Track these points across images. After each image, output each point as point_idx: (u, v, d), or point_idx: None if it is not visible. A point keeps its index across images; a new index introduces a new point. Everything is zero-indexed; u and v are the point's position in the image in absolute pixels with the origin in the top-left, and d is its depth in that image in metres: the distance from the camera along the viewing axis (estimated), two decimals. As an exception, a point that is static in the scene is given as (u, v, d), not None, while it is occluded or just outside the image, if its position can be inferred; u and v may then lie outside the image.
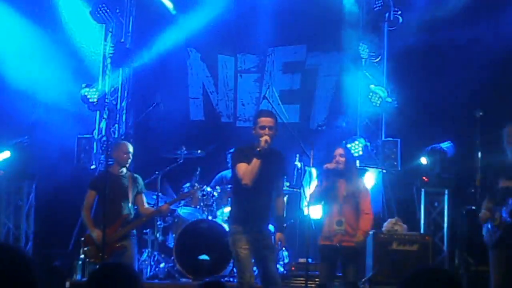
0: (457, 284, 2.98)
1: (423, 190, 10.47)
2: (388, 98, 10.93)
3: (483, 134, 7.93)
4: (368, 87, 11.17)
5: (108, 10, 11.41)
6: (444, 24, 10.77)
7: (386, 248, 9.42)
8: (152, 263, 10.04)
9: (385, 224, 9.89)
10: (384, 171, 10.96)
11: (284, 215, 7.72)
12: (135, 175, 9.06)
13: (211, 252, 9.71)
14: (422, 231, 10.14)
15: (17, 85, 10.93)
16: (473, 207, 8.33)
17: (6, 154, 10.31)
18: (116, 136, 11.37)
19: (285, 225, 7.69)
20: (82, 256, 8.90)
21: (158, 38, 11.95)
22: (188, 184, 10.33)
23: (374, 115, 11.33)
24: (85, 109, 11.35)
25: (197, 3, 11.93)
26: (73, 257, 10.22)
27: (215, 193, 10.22)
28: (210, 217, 10.06)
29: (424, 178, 10.30)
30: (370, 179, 10.71)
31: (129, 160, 8.88)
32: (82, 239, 8.82)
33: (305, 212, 8.71)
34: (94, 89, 11.29)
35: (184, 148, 10.58)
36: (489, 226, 7.75)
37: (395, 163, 10.94)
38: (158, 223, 10.23)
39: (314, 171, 9.39)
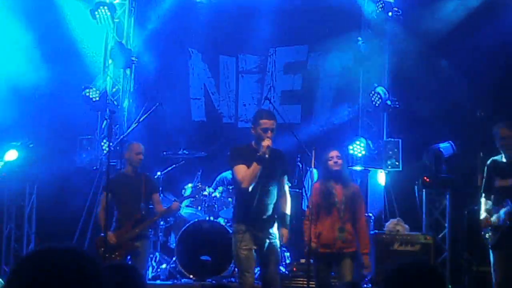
0: (439, 278, 2.99)
1: (424, 190, 10.46)
2: (388, 101, 10.93)
3: (484, 134, 7.92)
4: (369, 88, 11.18)
5: (108, 11, 11.41)
6: (446, 24, 10.76)
7: (387, 248, 9.42)
8: (154, 264, 10.05)
9: (387, 224, 9.89)
10: (386, 171, 10.96)
11: (289, 213, 7.64)
12: (148, 174, 9.09)
13: (213, 252, 9.72)
14: (423, 231, 10.13)
15: (18, 85, 10.93)
16: (475, 207, 8.35)
17: (13, 154, 10.31)
18: (117, 137, 11.37)
19: (288, 223, 7.59)
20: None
21: (159, 38, 11.97)
22: (190, 185, 10.34)
23: (376, 115, 11.34)
24: (87, 110, 11.35)
25: (198, 3, 11.95)
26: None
27: (217, 194, 10.23)
28: (211, 218, 10.06)
29: (425, 178, 10.29)
30: (381, 179, 10.77)
31: (141, 161, 8.87)
32: (96, 241, 8.82)
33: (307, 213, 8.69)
34: (96, 89, 11.29)
35: (185, 149, 10.60)
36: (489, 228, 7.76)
37: (397, 163, 10.93)
38: (160, 223, 10.24)
39: (315, 172, 9.39)
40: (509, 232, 7.55)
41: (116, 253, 8.49)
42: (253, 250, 7.27)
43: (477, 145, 7.98)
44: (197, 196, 10.02)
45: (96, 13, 11.39)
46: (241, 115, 12.61)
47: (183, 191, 10.36)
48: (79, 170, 11.24)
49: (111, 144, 9.50)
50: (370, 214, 10.18)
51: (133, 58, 11.55)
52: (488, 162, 7.90)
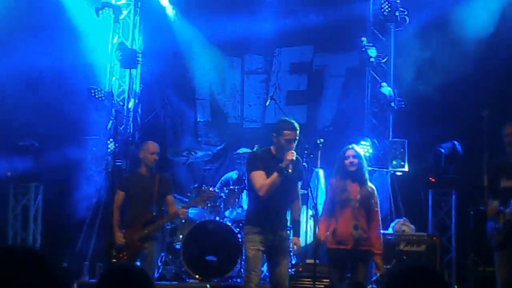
0: (444, 284, 2.98)
1: (430, 190, 10.44)
2: (392, 103, 10.93)
3: (490, 134, 7.92)
4: (375, 88, 11.17)
5: (113, 12, 11.43)
6: (451, 23, 10.75)
7: (394, 248, 9.40)
8: (160, 264, 10.05)
9: (393, 224, 9.88)
10: (391, 171, 10.95)
11: (301, 219, 7.70)
12: (164, 175, 9.06)
13: (219, 252, 9.71)
14: (429, 231, 10.12)
15: (23, 86, 10.96)
16: (481, 208, 8.33)
17: None
18: (124, 137, 11.38)
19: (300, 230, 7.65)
20: (105, 257, 8.92)
21: (165, 39, 11.98)
22: (196, 185, 10.34)
23: (382, 115, 11.33)
24: (93, 110, 11.36)
25: (204, 4, 11.96)
26: (81, 258, 10.26)
27: (222, 194, 10.23)
28: (217, 218, 10.06)
29: (431, 178, 10.28)
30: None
31: (156, 161, 8.84)
32: (105, 241, 8.82)
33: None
34: (101, 90, 11.31)
35: (191, 149, 10.61)
36: (494, 226, 7.74)
37: (403, 163, 10.92)
38: (166, 224, 10.23)
39: (321, 172, 9.40)
40: None
41: (124, 253, 8.48)
42: (261, 251, 7.31)
43: (483, 145, 7.96)
44: (207, 202, 9.93)
45: (101, 12, 11.40)
46: (247, 116, 12.60)
47: (189, 192, 10.36)
48: (85, 170, 11.25)
49: (116, 144, 9.50)
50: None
51: (139, 59, 11.55)
52: (495, 162, 7.89)
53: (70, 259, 10.37)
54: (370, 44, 11.09)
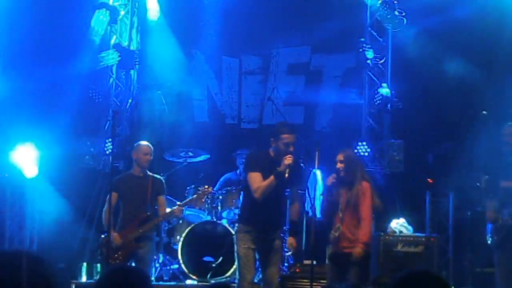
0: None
1: (428, 191, 10.45)
2: (388, 105, 10.94)
3: (487, 134, 7.93)
4: (372, 89, 11.19)
5: (109, 15, 11.42)
6: (447, 25, 10.75)
7: (390, 249, 9.39)
8: (157, 265, 10.04)
9: (390, 225, 9.88)
10: (388, 172, 10.96)
11: (298, 220, 7.77)
12: (157, 176, 9.05)
13: (216, 253, 9.72)
14: (427, 232, 10.12)
15: (18, 85, 10.94)
16: (478, 208, 8.35)
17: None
18: (121, 137, 11.37)
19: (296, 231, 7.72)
20: (99, 257, 8.92)
21: (162, 40, 11.97)
22: (193, 186, 10.33)
23: (378, 116, 11.33)
24: (90, 111, 11.35)
25: (200, 4, 11.95)
26: (78, 259, 10.24)
27: (219, 195, 10.23)
28: (215, 219, 10.06)
29: (428, 179, 10.29)
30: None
31: (149, 161, 8.82)
32: (100, 241, 8.81)
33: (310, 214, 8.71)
34: (99, 90, 11.30)
35: (188, 150, 10.60)
36: (493, 227, 7.76)
37: (399, 164, 10.93)
38: (163, 224, 10.23)
39: (318, 173, 9.40)
40: (511, 233, 7.56)
41: (119, 253, 8.49)
42: (252, 250, 7.35)
43: (480, 146, 7.98)
44: (203, 199, 9.95)
45: (97, 11, 11.39)
46: (244, 116, 12.61)
47: (186, 192, 10.36)
48: (82, 171, 11.24)
49: (114, 145, 9.49)
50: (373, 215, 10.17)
51: (136, 59, 11.55)
52: (492, 162, 7.91)
53: (67, 260, 10.35)
54: (369, 46, 11.11)
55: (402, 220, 9.83)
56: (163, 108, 10.87)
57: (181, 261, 9.78)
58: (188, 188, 10.40)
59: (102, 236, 8.70)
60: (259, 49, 12.46)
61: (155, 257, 9.86)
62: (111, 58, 11.29)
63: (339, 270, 7.78)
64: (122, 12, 11.81)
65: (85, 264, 10.05)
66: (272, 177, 7.18)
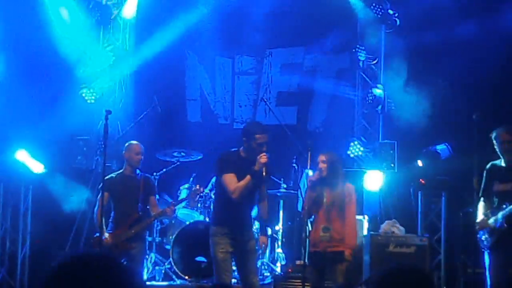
0: (430, 285, 2.99)
1: (420, 192, 10.47)
2: (379, 106, 10.96)
3: (479, 136, 7.94)
4: (365, 89, 11.20)
5: (105, 11, 11.41)
6: (442, 27, 10.77)
7: (383, 250, 9.41)
8: (150, 265, 10.03)
9: (382, 226, 9.90)
10: (382, 172, 10.96)
11: (268, 218, 7.81)
12: (148, 176, 9.04)
13: (208, 253, 9.66)
14: (419, 233, 10.14)
15: (12, 86, 10.92)
16: (470, 209, 8.36)
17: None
18: (113, 138, 11.35)
19: (269, 228, 7.73)
20: None
21: (156, 40, 11.95)
22: (186, 185, 10.33)
23: (372, 117, 11.35)
24: (83, 111, 11.32)
25: (194, 5, 11.94)
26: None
27: (212, 195, 10.22)
28: (207, 219, 10.06)
29: (421, 180, 10.31)
30: (377, 180, 10.74)
31: (141, 161, 8.81)
32: (92, 241, 8.79)
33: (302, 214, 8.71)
34: (92, 90, 11.28)
35: (181, 150, 10.60)
36: (485, 230, 7.77)
37: (392, 165, 10.94)
38: (156, 224, 10.22)
39: (311, 173, 9.39)
40: (506, 235, 7.57)
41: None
42: (230, 253, 7.39)
43: (472, 147, 7.98)
44: (195, 199, 9.96)
45: (91, 9, 11.40)
46: (237, 116, 12.62)
47: (179, 192, 10.35)
48: (75, 171, 11.22)
49: (106, 145, 9.46)
50: (366, 216, 10.19)
51: (129, 59, 11.53)
52: (488, 166, 7.92)
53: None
54: (362, 48, 11.12)
55: (394, 221, 9.87)
56: (156, 108, 10.83)
57: (173, 261, 9.77)
58: (180, 188, 10.39)
59: (94, 236, 8.67)
60: (252, 49, 12.46)
61: (147, 256, 9.86)
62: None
63: (319, 271, 7.73)
64: (115, 12, 11.78)
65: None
66: (248, 177, 7.17)
